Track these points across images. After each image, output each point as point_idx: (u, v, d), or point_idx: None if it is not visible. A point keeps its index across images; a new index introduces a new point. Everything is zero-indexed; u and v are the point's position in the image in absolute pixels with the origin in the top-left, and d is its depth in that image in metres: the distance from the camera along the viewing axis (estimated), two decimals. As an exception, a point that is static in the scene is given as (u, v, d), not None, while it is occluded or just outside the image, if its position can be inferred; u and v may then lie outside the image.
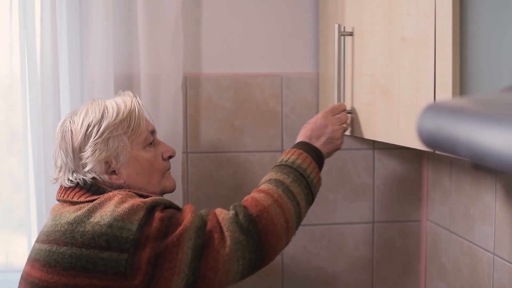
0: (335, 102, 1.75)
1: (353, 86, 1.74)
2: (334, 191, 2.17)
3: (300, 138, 1.68)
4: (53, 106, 1.86)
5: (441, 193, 2.06)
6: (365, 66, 1.67)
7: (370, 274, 2.20)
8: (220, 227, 1.42)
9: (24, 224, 1.97)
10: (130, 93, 1.63)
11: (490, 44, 1.12)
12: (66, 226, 1.41)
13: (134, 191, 1.52)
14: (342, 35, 1.73)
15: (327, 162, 2.16)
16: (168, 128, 1.97)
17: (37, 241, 1.49)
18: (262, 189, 1.53)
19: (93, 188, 1.50)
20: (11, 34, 1.95)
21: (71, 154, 1.53)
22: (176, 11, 1.95)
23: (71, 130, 1.54)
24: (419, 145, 1.36)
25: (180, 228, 1.39)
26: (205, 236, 1.40)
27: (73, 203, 1.49)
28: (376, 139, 1.66)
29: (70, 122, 1.56)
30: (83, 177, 1.51)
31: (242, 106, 2.10)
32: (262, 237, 1.44)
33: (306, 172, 1.59)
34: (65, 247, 1.39)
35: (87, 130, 1.52)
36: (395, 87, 1.49)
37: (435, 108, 0.74)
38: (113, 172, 1.54)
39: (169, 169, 1.66)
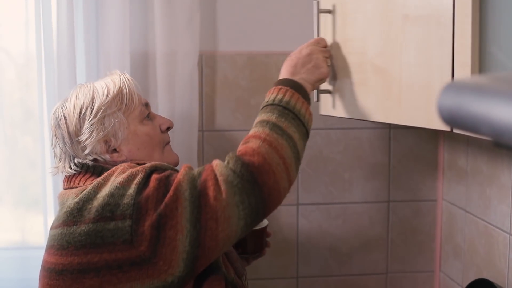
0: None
1: (337, 65, 1.68)
2: (350, 170, 2.16)
3: (283, 72, 1.58)
4: (69, 85, 1.86)
5: (457, 173, 2.05)
6: (351, 45, 1.62)
7: (385, 253, 2.21)
8: (214, 175, 1.38)
9: (39, 201, 1.99)
10: (118, 71, 1.63)
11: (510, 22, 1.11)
12: (72, 206, 1.40)
13: (136, 161, 1.51)
14: (321, 12, 1.70)
15: (342, 140, 2.16)
16: (184, 107, 1.98)
17: (50, 228, 1.48)
18: (249, 135, 1.48)
19: (97, 170, 1.50)
20: (27, 12, 1.95)
21: (68, 140, 1.52)
22: (192, -12, 1.95)
23: (64, 116, 1.53)
24: (422, 123, 1.35)
25: (175, 182, 1.37)
26: (200, 185, 1.37)
27: (79, 188, 1.48)
28: (369, 119, 1.61)
29: (62, 108, 1.55)
30: (84, 161, 1.51)
31: (258, 85, 2.10)
32: (258, 179, 1.37)
33: (290, 104, 1.49)
34: (74, 227, 1.37)
35: (80, 113, 1.51)
36: (395, 66, 1.45)
37: (456, 86, 0.73)
38: (114, 150, 1.54)
39: (168, 142, 1.66)
